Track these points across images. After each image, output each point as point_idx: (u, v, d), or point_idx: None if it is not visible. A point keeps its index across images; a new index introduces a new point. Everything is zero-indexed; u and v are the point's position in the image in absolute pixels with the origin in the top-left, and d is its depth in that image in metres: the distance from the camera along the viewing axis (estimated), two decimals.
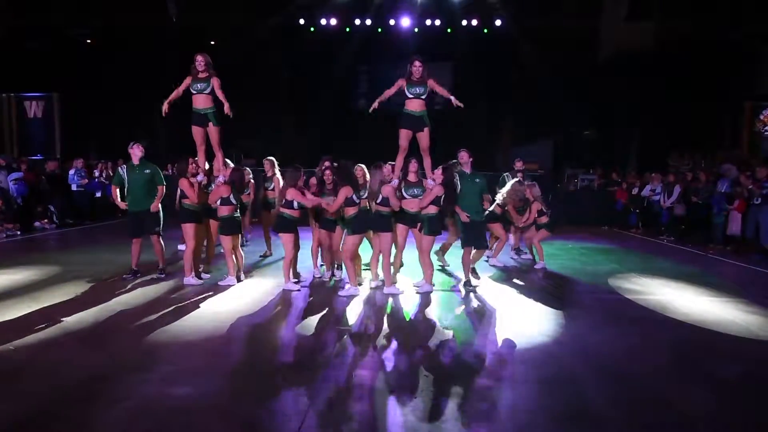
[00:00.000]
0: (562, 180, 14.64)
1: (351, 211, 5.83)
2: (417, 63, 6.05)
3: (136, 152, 6.46)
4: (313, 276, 6.72)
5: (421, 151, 6.27)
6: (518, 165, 8.47)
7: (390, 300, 5.74)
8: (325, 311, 5.31)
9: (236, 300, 5.62)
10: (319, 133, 15.49)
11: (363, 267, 6.83)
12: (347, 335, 4.56)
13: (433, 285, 6.17)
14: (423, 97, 6.12)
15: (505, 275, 7.23)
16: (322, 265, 6.80)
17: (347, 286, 5.97)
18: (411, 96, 6.10)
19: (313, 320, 5.01)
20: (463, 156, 6.19)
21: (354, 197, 5.78)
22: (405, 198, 6.19)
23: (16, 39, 14.44)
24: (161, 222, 6.58)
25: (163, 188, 6.62)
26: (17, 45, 14.58)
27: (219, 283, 6.24)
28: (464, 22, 14.67)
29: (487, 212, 6.83)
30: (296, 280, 6.33)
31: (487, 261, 7.74)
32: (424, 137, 6.16)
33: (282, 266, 6.14)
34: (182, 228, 6.34)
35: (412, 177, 6.19)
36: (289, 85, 16.53)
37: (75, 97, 15.38)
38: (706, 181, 10.58)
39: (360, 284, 6.22)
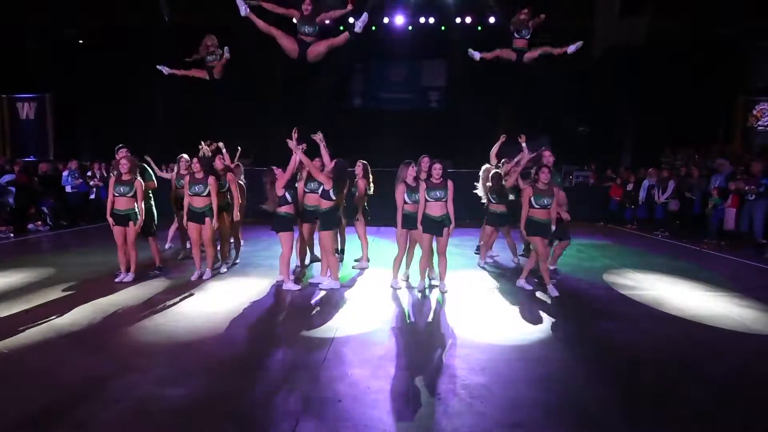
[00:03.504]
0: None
1: (325, 205, 5.84)
2: (437, 166, 5.72)
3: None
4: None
5: None
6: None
7: (387, 299, 5.74)
8: (321, 311, 5.31)
9: (231, 300, 5.60)
10: (315, 131, 15.44)
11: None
12: (344, 334, 4.56)
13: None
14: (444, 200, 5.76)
15: (499, 271, 7.25)
16: (305, 266, 6.76)
17: (327, 278, 6.04)
18: (431, 199, 5.73)
19: (309, 320, 5.00)
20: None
21: (331, 193, 5.78)
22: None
23: (8, 39, 14.32)
24: (151, 222, 6.70)
25: (150, 183, 6.90)
26: (10, 46, 14.46)
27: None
28: (458, 20, 14.66)
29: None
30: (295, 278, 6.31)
31: (491, 259, 7.78)
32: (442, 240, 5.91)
33: (279, 265, 6.11)
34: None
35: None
36: (283, 83, 16.47)
37: (68, 98, 15.27)
38: (699, 177, 10.63)
39: (338, 279, 6.19)
